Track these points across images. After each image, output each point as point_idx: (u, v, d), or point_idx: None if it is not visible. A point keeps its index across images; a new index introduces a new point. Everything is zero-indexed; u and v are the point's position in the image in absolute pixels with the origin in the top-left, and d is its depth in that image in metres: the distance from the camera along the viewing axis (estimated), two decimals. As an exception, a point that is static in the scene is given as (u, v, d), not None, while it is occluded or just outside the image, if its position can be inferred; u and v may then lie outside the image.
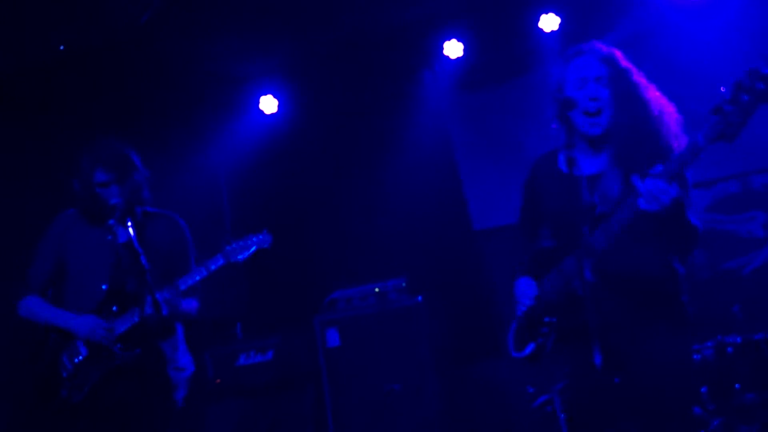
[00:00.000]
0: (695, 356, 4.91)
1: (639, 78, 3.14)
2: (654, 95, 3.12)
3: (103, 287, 3.87)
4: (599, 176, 3.10)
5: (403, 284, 5.99)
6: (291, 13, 6.21)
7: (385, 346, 5.82)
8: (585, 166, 3.12)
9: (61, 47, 5.82)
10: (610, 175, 3.08)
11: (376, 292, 6.03)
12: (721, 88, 2.62)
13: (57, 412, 3.78)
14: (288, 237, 6.67)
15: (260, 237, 3.93)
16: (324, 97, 7.25)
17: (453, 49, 6.82)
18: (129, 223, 3.63)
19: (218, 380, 6.06)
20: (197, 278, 3.80)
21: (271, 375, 5.99)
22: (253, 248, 3.90)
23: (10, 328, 4.15)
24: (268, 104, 7.29)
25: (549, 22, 6.48)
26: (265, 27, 6.33)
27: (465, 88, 7.11)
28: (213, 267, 3.82)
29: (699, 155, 2.70)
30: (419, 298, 5.88)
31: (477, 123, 7.12)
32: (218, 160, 7.57)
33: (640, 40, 6.04)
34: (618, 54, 3.18)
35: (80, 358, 3.78)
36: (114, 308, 3.81)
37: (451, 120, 7.23)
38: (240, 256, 3.86)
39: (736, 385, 4.82)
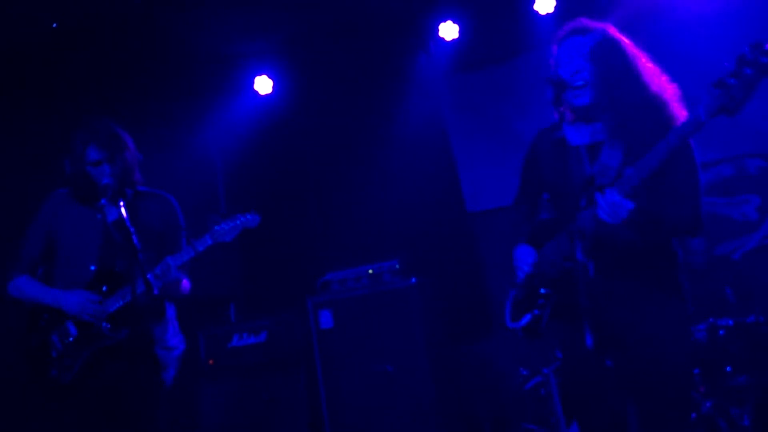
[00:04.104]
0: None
1: (631, 49, 3.12)
2: (647, 66, 3.09)
3: (92, 268, 3.85)
4: (599, 147, 3.09)
5: (397, 266, 5.99)
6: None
7: (379, 328, 5.82)
8: (579, 138, 3.13)
9: (54, 25, 5.77)
10: (610, 148, 3.06)
11: (370, 274, 6.03)
12: (724, 63, 2.60)
13: (46, 391, 3.77)
14: (282, 218, 6.72)
15: (248, 217, 3.93)
16: (319, 78, 7.22)
17: (448, 30, 6.79)
18: (121, 203, 3.62)
19: (211, 361, 6.07)
20: (185, 258, 3.80)
21: (264, 356, 6.01)
22: (241, 228, 3.90)
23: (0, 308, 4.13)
24: (263, 85, 7.27)
25: (544, 4, 6.46)
26: (260, 7, 6.27)
27: (460, 70, 7.09)
28: (201, 248, 3.81)
29: (700, 129, 2.70)
30: (413, 279, 5.87)
31: (472, 105, 7.10)
32: (213, 141, 7.56)
33: (637, 22, 6.00)
34: (607, 28, 3.16)
35: (70, 339, 3.77)
36: (104, 288, 3.80)
37: (446, 102, 7.21)
38: (227, 236, 3.86)
39: (728, 368, 4.84)
